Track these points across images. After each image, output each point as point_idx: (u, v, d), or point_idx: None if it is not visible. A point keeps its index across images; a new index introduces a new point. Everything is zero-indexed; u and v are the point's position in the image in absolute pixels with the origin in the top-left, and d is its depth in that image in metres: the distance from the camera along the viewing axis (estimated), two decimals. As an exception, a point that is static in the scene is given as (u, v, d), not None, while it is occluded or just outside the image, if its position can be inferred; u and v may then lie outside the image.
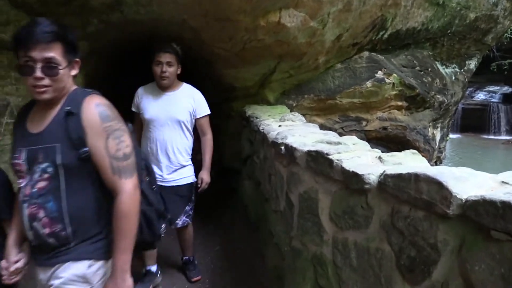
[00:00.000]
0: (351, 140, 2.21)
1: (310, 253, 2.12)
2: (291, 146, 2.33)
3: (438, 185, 1.15)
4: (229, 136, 5.19)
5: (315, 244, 2.06)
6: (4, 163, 2.51)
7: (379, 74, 4.91)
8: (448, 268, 1.14)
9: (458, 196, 1.09)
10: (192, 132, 2.93)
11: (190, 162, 2.97)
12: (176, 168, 2.87)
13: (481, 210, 1.00)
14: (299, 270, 2.26)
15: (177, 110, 2.80)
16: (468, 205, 1.06)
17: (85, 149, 1.40)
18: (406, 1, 4.65)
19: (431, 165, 1.59)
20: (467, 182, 1.15)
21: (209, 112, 2.95)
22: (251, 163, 4.11)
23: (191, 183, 2.96)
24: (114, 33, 3.52)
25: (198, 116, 2.89)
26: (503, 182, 1.15)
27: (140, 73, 6.38)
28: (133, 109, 2.96)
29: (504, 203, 0.94)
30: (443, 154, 6.75)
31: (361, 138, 2.46)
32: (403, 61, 5.36)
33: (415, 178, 1.24)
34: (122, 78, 5.90)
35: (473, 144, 13.30)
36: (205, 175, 2.98)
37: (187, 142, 2.90)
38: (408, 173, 1.28)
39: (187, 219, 2.98)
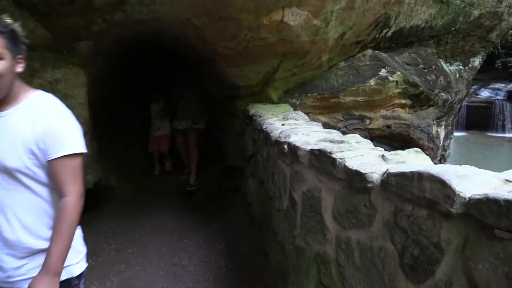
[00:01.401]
0: (354, 138, 2.21)
1: (314, 252, 2.13)
2: (294, 145, 2.33)
3: (442, 184, 1.14)
4: (233, 134, 5.19)
5: (318, 242, 2.06)
6: None
7: (383, 72, 4.89)
8: (451, 267, 1.13)
9: (461, 195, 1.08)
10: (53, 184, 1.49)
11: None
12: (24, 256, 1.48)
13: (485, 208, 1.00)
14: (302, 269, 2.27)
15: (4, 149, 1.42)
16: (471, 204, 1.05)
17: None
18: (410, -1, 4.63)
19: (435, 163, 1.59)
20: (471, 181, 1.15)
21: (77, 151, 1.48)
22: (254, 162, 4.11)
23: (62, 281, 1.47)
24: (118, 33, 3.53)
25: (50, 157, 1.43)
26: (507, 180, 1.14)
27: (146, 73, 6.47)
28: None
29: (507, 202, 0.94)
30: (448, 152, 6.72)
31: (365, 137, 2.46)
32: (407, 59, 5.33)
33: (418, 176, 1.24)
34: (127, 77, 5.94)
35: (478, 142, 13.23)
36: (44, 283, 1.39)
37: (43, 204, 1.49)
38: (411, 172, 1.28)
39: None
